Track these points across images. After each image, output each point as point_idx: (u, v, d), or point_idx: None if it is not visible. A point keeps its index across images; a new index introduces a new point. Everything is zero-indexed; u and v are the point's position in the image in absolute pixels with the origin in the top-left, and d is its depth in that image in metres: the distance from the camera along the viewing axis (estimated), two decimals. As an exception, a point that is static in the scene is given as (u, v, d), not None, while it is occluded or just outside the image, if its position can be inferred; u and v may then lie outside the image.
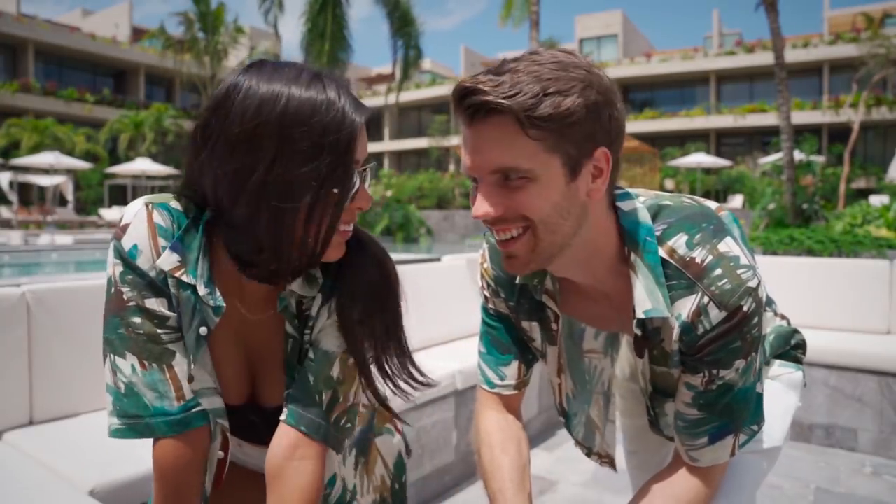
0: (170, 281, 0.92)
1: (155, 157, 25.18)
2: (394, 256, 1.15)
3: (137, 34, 35.12)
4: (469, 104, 0.82)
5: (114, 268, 0.91)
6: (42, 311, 1.91)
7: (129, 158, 24.58)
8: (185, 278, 0.91)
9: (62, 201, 21.57)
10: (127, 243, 0.90)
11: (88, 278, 2.18)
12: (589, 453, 1.30)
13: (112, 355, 0.90)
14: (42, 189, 22.44)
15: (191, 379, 0.94)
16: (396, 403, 2.62)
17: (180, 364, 0.92)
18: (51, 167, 19.42)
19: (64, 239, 11.41)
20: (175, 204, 0.94)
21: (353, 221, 0.94)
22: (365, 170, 0.92)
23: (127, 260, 0.90)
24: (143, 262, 0.90)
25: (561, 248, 0.90)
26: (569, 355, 1.14)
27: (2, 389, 1.83)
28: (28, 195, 23.13)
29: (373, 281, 0.99)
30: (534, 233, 0.87)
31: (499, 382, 1.14)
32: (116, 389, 0.90)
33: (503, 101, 0.79)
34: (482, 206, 0.86)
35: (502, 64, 0.84)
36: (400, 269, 1.12)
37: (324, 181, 0.86)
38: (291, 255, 0.90)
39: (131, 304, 0.90)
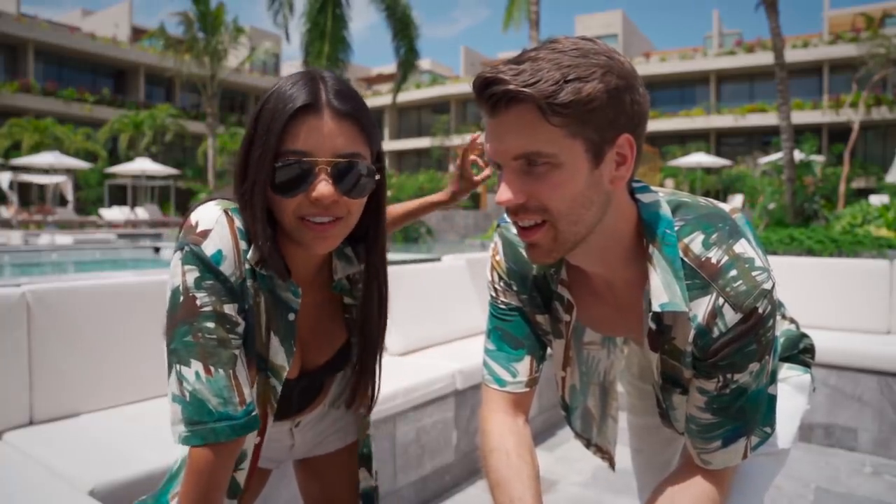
0: (248, 283, 0.95)
1: (155, 157, 25.19)
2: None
3: (137, 34, 35.11)
4: (490, 94, 0.82)
5: (186, 275, 0.90)
6: (42, 311, 1.91)
7: (129, 158, 24.58)
8: (264, 271, 0.96)
9: (62, 201, 21.57)
10: (209, 248, 0.91)
11: (88, 278, 2.18)
12: (588, 445, 1.29)
13: (178, 365, 0.91)
14: (42, 189, 22.44)
15: (283, 369, 1.00)
16: (397, 402, 2.62)
17: (241, 370, 0.94)
18: (51, 167, 19.42)
19: (64, 239, 11.39)
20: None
21: (321, 215, 0.92)
22: (322, 163, 0.90)
23: (209, 265, 0.90)
24: (226, 268, 0.91)
25: (584, 237, 0.90)
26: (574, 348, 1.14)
27: (2, 389, 1.83)
28: (28, 195, 23.13)
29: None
30: (553, 224, 0.87)
31: (510, 380, 1.10)
32: (182, 398, 0.90)
33: (524, 89, 0.79)
34: (505, 193, 0.86)
35: (522, 53, 0.84)
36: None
37: (259, 165, 0.91)
38: (264, 238, 0.94)
39: (206, 309, 0.90)
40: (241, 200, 0.95)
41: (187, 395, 0.90)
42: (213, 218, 0.92)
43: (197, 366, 0.90)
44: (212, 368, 0.90)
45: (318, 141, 0.90)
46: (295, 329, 1.01)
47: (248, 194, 0.93)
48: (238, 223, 0.94)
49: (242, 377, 0.94)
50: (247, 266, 0.94)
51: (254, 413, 0.95)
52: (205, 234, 0.91)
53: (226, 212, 0.94)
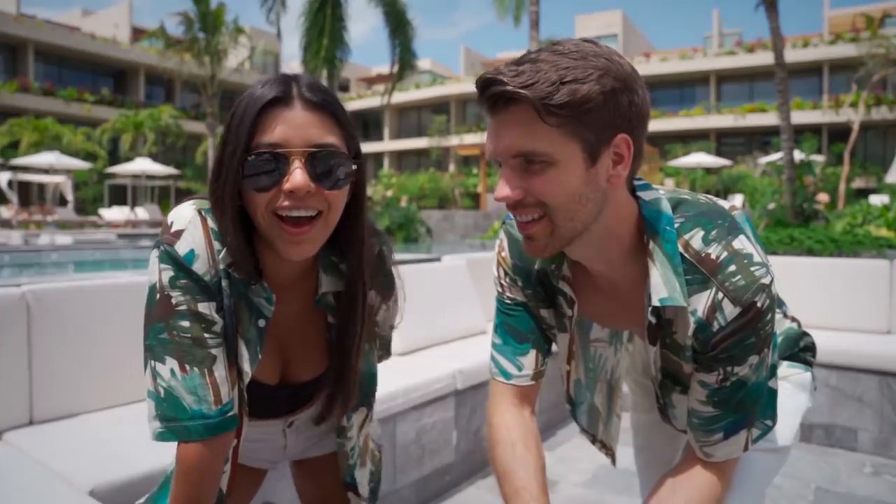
0: (223, 283, 0.94)
1: (155, 157, 25.18)
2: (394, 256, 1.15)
3: (137, 34, 35.10)
4: (490, 94, 0.86)
5: (161, 273, 0.91)
6: (42, 311, 1.91)
7: (129, 159, 24.57)
8: (237, 274, 0.94)
9: (62, 201, 21.56)
10: (182, 248, 0.91)
11: (88, 278, 2.17)
12: (594, 440, 1.32)
13: (152, 361, 0.91)
14: (42, 189, 22.42)
15: (246, 374, 0.98)
16: (397, 402, 2.61)
17: (220, 369, 0.94)
18: (51, 167, 19.41)
19: (64, 239, 11.39)
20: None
21: (294, 208, 0.90)
22: (296, 153, 0.88)
23: (182, 264, 0.91)
24: (199, 267, 0.92)
25: (580, 232, 0.92)
26: (578, 343, 1.15)
27: (2, 389, 1.82)
28: (28, 195, 23.12)
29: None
30: (551, 218, 0.90)
31: (516, 373, 1.13)
32: (157, 394, 0.91)
33: (520, 90, 0.82)
34: (503, 190, 0.89)
35: (525, 55, 0.87)
36: (400, 268, 1.14)
37: (230, 161, 0.90)
38: (233, 235, 0.93)
39: (181, 307, 0.91)
40: (212, 199, 0.94)
41: (162, 391, 0.91)
42: (186, 218, 0.93)
43: (172, 363, 0.90)
44: (187, 366, 0.91)
45: (290, 132, 0.89)
46: (264, 336, 0.99)
47: (220, 192, 0.92)
48: (211, 223, 0.94)
49: (220, 376, 0.93)
50: (221, 266, 0.94)
51: (230, 413, 0.94)
52: (178, 234, 0.92)
53: (199, 212, 0.94)
